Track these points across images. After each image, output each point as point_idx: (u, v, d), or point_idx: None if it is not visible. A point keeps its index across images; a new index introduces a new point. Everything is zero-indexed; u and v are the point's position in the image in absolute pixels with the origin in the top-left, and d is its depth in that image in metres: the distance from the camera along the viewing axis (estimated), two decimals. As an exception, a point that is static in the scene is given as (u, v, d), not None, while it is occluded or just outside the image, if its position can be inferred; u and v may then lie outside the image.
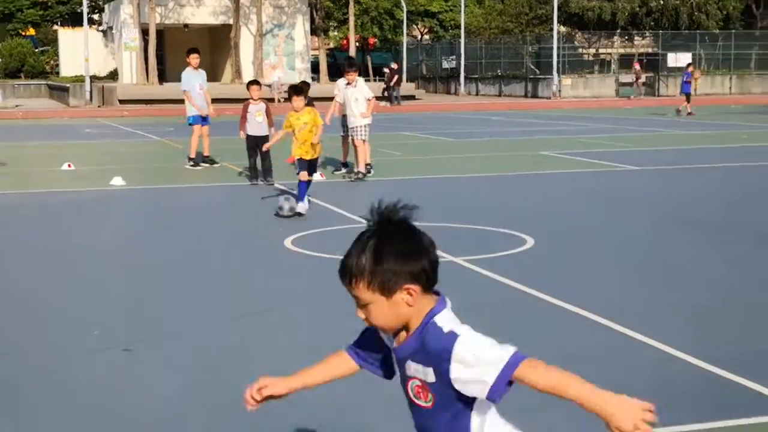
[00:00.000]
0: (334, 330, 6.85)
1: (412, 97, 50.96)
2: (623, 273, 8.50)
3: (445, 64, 65.29)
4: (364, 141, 15.74)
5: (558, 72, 52.91)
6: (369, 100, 15.79)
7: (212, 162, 17.96)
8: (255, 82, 16.42)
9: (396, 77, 47.18)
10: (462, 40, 58.46)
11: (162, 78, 51.63)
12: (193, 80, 17.76)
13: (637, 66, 53.57)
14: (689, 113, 33.40)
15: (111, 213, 12.90)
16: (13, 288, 8.33)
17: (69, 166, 17.92)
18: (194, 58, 17.79)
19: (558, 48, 52.87)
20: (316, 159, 12.53)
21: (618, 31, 59.94)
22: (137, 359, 6.14)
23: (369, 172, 15.94)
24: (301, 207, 11.80)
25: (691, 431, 4.75)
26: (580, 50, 62.07)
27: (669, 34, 57.82)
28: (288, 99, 12.63)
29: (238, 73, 52.00)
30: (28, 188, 15.50)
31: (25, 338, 6.70)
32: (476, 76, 61.33)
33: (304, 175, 12.08)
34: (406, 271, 2.59)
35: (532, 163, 18.35)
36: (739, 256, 9.13)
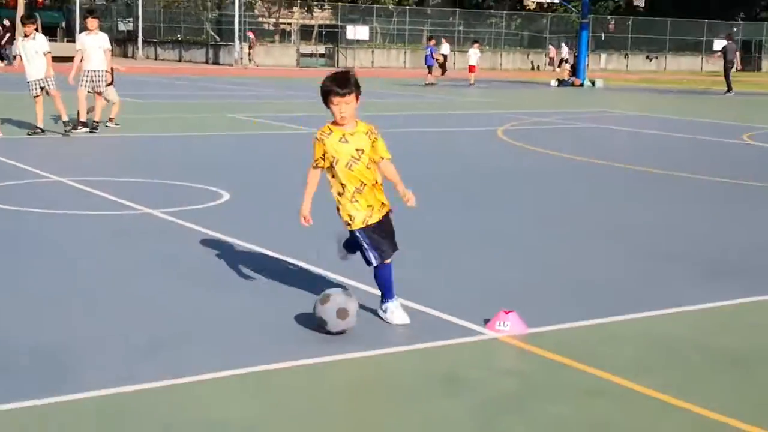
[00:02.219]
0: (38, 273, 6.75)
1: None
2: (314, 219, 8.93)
3: (122, 27, 63.36)
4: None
5: (240, 39, 53.13)
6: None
7: None
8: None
9: (8, 35, 43.54)
10: (140, 3, 56.99)
11: None
12: None
13: None
14: (430, 83, 36.33)
15: None
16: None
17: None
18: None
19: (239, 15, 53.05)
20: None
21: (298, 1, 61.08)
22: None
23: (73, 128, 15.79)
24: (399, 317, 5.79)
25: (395, 351, 5.22)
26: (261, 19, 62.66)
27: (347, 7, 59.81)
28: None
29: None
30: None
31: None
32: (155, 40, 60.11)
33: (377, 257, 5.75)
34: None
35: (222, 124, 18.53)
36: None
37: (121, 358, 4.98)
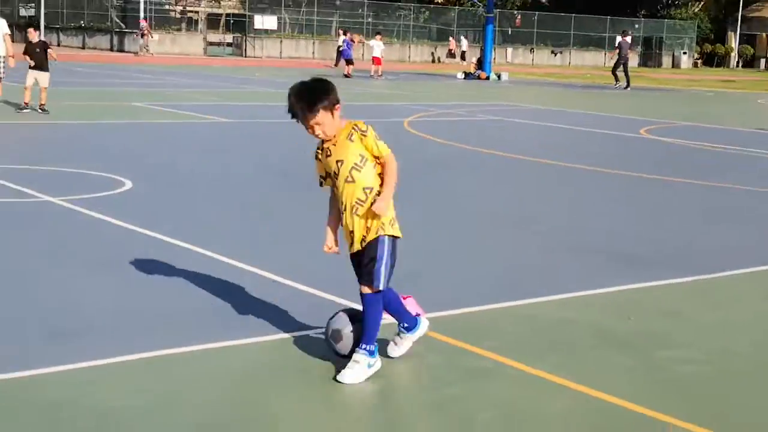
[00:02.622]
0: None
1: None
2: (215, 208, 8.94)
3: (23, 12, 61.71)
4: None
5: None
6: None
7: None
8: None
9: None
10: (43, -13, 55.58)
11: None
12: None
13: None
14: (346, 75, 36.21)
15: None
16: None
17: None
18: None
19: (145, 2, 52.21)
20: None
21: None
22: None
23: None
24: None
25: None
26: (167, 6, 61.75)
27: (255, -4, 59.40)
28: None
29: None
30: None
31: None
32: (58, 26, 58.71)
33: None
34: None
35: (125, 113, 18.26)
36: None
37: (16, 345, 4.94)
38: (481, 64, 41.68)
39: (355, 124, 4.63)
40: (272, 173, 11.55)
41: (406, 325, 4.90)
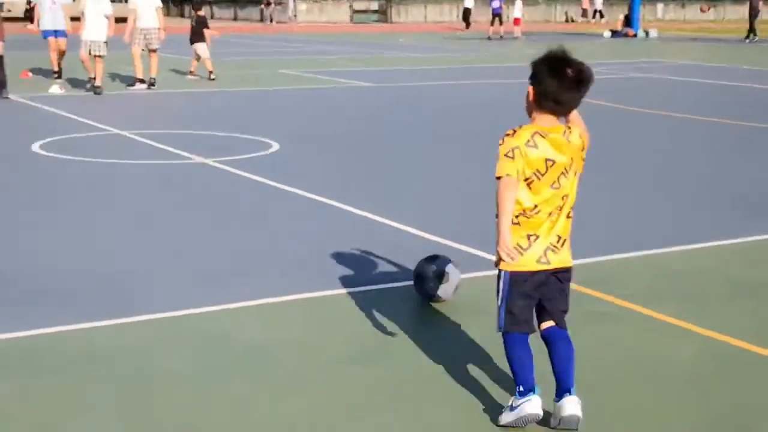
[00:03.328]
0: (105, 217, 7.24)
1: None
2: (359, 169, 9.34)
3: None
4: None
5: (293, -2, 53.39)
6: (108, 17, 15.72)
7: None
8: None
9: None
10: (196, -38, 57.42)
11: None
12: None
13: None
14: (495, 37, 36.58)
15: None
16: None
17: None
18: None
19: (293, -27, 53.25)
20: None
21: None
22: None
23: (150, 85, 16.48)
24: None
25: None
26: (315, -24, 62.68)
27: (400, -38, 59.61)
28: None
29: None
30: None
31: None
32: (211, 0, 60.57)
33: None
34: None
35: (274, 80, 18.94)
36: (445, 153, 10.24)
37: (174, 287, 5.45)
38: (628, 21, 40.77)
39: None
40: (412, 134, 11.86)
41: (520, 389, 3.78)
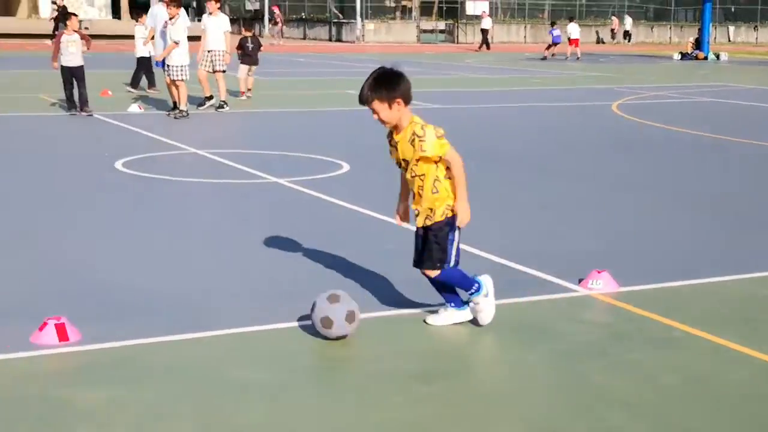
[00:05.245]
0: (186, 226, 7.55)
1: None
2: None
3: (249, 6, 65.06)
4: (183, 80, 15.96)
5: (362, 17, 53.99)
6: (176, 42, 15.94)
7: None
8: (73, 14, 16.42)
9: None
10: (267, -18, 58.45)
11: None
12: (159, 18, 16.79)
13: None
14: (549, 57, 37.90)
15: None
16: None
17: None
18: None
19: (361, -7, 53.90)
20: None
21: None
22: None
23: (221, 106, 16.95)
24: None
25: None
26: (383, -4, 63.34)
27: (468, -18, 59.93)
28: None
29: (35, 8, 50.12)
30: None
31: None
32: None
33: None
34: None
35: (340, 100, 19.29)
36: (522, 178, 10.41)
37: (253, 303, 5.73)
38: (698, 43, 40.49)
39: (414, 129, 5.05)
40: (478, 155, 12.05)
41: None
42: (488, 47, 46.62)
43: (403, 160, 5.14)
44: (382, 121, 5.11)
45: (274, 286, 6.14)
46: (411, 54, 41.83)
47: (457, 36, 57.24)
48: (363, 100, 5.10)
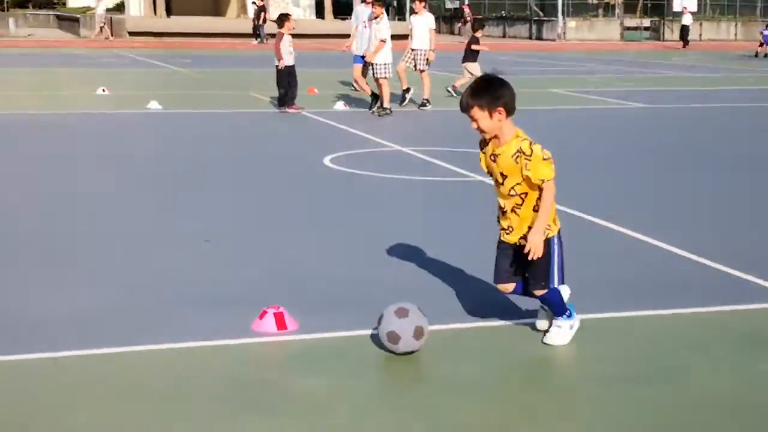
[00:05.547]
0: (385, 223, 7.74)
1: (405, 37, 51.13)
2: (649, 191, 9.38)
3: (449, 4, 65.48)
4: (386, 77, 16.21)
5: (563, 14, 53.25)
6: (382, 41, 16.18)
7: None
8: (289, 15, 16.97)
9: (263, 14, 42.11)
10: (469, -18, 58.64)
11: (169, 11, 51.85)
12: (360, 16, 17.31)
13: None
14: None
15: (153, 133, 13.75)
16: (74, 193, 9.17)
17: (103, 90, 18.66)
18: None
19: (563, -10, 53.15)
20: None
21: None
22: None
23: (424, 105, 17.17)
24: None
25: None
26: (585, -7, 62.24)
27: (674, -22, 57.99)
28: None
29: (243, 8, 52.28)
30: (67, 109, 16.30)
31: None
32: (480, 16, 61.54)
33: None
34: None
35: (545, 99, 19.16)
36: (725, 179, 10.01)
37: (464, 300, 5.80)
38: None
39: (521, 145, 4.81)
40: (681, 156, 11.68)
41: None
42: (686, 44, 44.91)
43: (501, 173, 4.88)
44: (481, 131, 4.87)
45: (465, 286, 6.15)
46: (614, 52, 40.93)
47: (663, 33, 55.46)
48: (463, 107, 4.86)
